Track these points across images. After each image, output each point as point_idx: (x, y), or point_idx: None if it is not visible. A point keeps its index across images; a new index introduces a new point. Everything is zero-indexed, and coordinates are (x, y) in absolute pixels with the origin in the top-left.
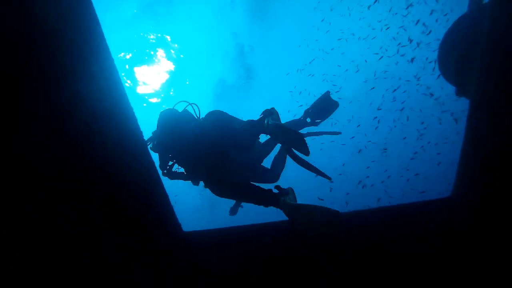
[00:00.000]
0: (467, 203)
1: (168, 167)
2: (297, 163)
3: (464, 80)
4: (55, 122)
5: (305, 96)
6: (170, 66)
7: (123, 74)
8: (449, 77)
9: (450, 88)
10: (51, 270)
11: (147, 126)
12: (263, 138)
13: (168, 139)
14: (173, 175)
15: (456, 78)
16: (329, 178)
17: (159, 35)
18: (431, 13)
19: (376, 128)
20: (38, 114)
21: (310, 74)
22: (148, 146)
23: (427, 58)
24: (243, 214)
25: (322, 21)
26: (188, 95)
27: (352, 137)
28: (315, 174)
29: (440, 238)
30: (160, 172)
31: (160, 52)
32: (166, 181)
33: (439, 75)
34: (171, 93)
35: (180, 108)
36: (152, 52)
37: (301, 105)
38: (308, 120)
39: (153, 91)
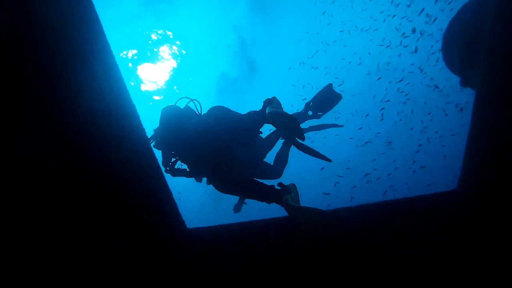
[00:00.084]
0: (473, 195)
1: (170, 164)
2: (299, 149)
3: (468, 70)
4: (55, 122)
5: (309, 90)
6: (174, 62)
7: (126, 73)
8: (453, 67)
9: (454, 79)
10: (51, 270)
11: (153, 124)
12: (265, 133)
13: (171, 136)
14: (175, 172)
15: (461, 68)
16: (329, 160)
17: (160, 31)
18: (435, 2)
19: (381, 120)
20: (38, 114)
21: (313, 67)
22: (151, 144)
23: (432, 46)
24: (247, 210)
25: (323, 14)
26: (192, 91)
27: (360, 128)
28: (320, 168)
29: (444, 235)
30: (163, 169)
31: (163, 49)
32: (169, 179)
33: (441, 68)
34: (176, 90)
35: (182, 105)
36: (155, 49)
37: (304, 99)
38: (310, 113)
39: (157, 89)
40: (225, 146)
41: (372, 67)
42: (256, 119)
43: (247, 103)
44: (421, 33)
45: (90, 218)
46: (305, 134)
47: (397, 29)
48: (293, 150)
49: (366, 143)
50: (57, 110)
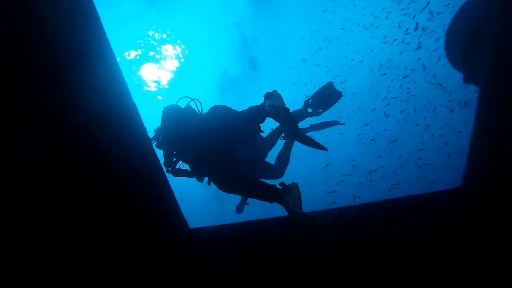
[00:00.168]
0: (477, 193)
1: (172, 164)
2: (297, 140)
3: (472, 67)
4: (55, 122)
5: (311, 88)
6: (176, 62)
7: (129, 73)
8: (456, 64)
9: (457, 76)
10: (51, 270)
11: (158, 124)
12: (265, 133)
13: (172, 136)
14: (177, 172)
15: (464, 65)
16: (325, 149)
17: (161, 29)
18: None
19: (387, 116)
20: (38, 114)
21: (316, 64)
22: (153, 144)
23: (437, 39)
24: (249, 210)
25: (324, 11)
26: (194, 89)
27: (366, 124)
28: (325, 165)
29: (448, 233)
30: (164, 169)
31: (165, 48)
32: (171, 179)
33: (444, 65)
34: (180, 88)
35: (182, 105)
36: (157, 49)
37: (306, 96)
38: (310, 110)
39: (161, 88)
40: (226, 145)
41: (374, 65)
42: (257, 113)
43: (249, 101)
44: (424, 29)
45: (90, 218)
46: (307, 134)
47: (399, 25)
48: (296, 149)
49: (372, 140)
50: (57, 109)
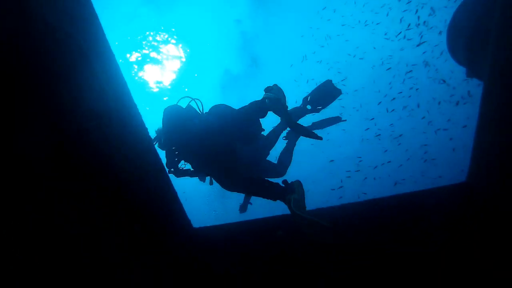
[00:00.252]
0: (482, 188)
1: (174, 164)
2: (295, 131)
3: (475, 60)
4: (55, 122)
5: (312, 85)
6: (178, 61)
7: (131, 74)
8: (458, 58)
9: (459, 71)
10: (51, 270)
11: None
12: (266, 131)
13: (174, 136)
14: (180, 173)
15: (466, 58)
16: (320, 138)
17: (161, 29)
18: None
19: (392, 111)
20: (38, 114)
21: (318, 61)
22: (155, 145)
23: (440, 32)
24: (253, 208)
25: (323, 9)
26: (197, 89)
27: (372, 119)
28: (329, 161)
29: (452, 229)
30: (167, 170)
31: (167, 49)
32: (175, 179)
33: (446, 60)
34: (182, 88)
35: (183, 105)
36: (159, 49)
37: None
38: (309, 107)
39: (163, 89)
40: (228, 144)
41: (375, 61)
42: (257, 106)
43: (251, 99)
44: (425, 24)
45: (90, 218)
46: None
47: (401, 21)
48: (300, 145)
49: (378, 135)
50: (57, 109)
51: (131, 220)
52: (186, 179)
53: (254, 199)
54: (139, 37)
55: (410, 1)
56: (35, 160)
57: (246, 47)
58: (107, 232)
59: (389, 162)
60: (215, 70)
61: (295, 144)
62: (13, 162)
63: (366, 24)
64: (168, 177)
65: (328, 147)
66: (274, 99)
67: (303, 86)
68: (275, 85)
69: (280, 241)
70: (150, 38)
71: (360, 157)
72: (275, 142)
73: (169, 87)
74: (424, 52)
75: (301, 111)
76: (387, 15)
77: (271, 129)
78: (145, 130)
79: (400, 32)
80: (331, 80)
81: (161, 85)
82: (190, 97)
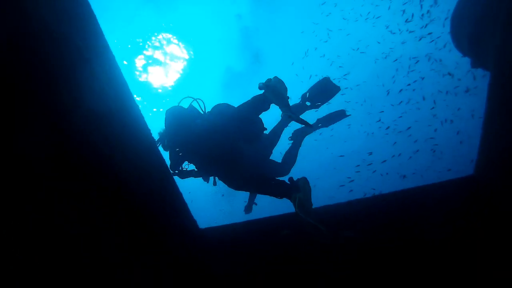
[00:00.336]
0: (489, 180)
1: (178, 165)
2: (296, 121)
3: (480, 50)
4: (55, 122)
5: (315, 81)
6: (180, 61)
7: (134, 75)
8: (463, 48)
9: (463, 62)
10: (51, 270)
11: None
12: (268, 130)
13: (177, 137)
14: (184, 174)
15: (471, 48)
16: (310, 126)
17: (162, 28)
18: None
19: (399, 103)
20: (38, 114)
21: (321, 56)
22: (159, 147)
23: (444, 25)
24: (258, 207)
25: (323, 4)
26: (200, 88)
27: (381, 111)
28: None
29: (460, 221)
30: (171, 172)
31: (168, 48)
32: (180, 180)
33: (450, 50)
34: (185, 88)
35: (185, 105)
36: (161, 49)
37: None
38: (308, 103)
39: (166, 89)
40: (231, 143)
41: (378, 55)
42: (259, 99)
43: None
44: (428, 14)
45: (90, 218)
46: (318, 131)
47: (404, 12)
48: (305, 143)
49: (387, 128)
50: (57, 109)
51: (132, 220)
52: (193, 181)
53: (259, 199)
54: (139, 39)
55: None
56: (35, 160)
57: (248, 43)
58: (107, 232)
59: (400, 155)
60: (217, 68)
61: (300, 145)
62: (13, 162)
63: (367, 18)
64: (172, 178)
65: (333, 143)
66: (272, 86)
67: (306, 82)
68: (275, 77)
69: (286, 240)
70: (153, 38)
71: (370, 152)
72: (277, 141)
73: (171, 88)
74: (431, 41)
75: (300, 108)
76: (389, 8)
77: (272, 127)
78: (147, 130)
79: (409, 20)
80: (329, 77)
81: (163, 85)
82: (192, 97)
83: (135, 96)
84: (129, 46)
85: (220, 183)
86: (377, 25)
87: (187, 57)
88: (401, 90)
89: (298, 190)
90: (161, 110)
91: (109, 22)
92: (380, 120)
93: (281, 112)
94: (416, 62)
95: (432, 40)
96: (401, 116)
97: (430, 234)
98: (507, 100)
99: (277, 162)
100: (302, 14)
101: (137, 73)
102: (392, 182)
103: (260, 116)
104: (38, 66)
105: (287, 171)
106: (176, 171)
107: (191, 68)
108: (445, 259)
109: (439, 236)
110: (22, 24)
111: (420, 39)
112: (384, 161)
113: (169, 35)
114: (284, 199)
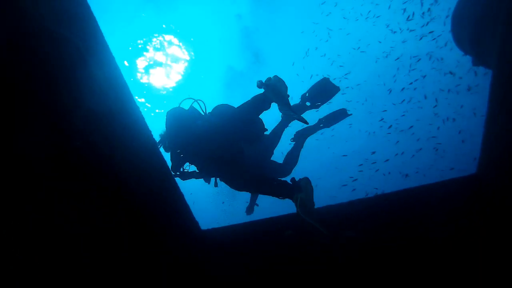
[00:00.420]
0: (492, 179)
1: (179, 167)
2: (298, 119)
3: (482, 48)
4: (55, 122)
5: (316, 80)
6: (182, 61)
7: (136, 76)
8: (464, 46)
9: (464, 60)
10: (51, 270)
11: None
12: (269, 130)
13: (178, 139)
14: (185, 176)
15: (472, 46)
16: (306, 123)
17: (162, 29)
18: None
19: (402, 101)
20: (38, 114)
21: (322, 55)
22: (160, 148)
23: (445, 23)
24: (259, 208)
25: (323, 3)
26: (201, 89)
27: (384, 111)
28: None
29: (463, 220)
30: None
31: (170, 50)
32: (181, 181)
33: (451, 48)
34: (186, 89)
35: (186, 106)
36: (162, 50)
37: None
38: (308, 104)
39: (168, 90)
40: (232, 144)
41: (379, 54)
42: (259, 98)
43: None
44: (429, 12)
45: (90, 218)
46: (319, 131)
47: (404, 10)
48: (306, 143)
49: (390, 127)
50: (57, 110)
51: (132, 220)
52: (194, 182)
53: (261, 200)
54: (141, 41)
55: None
56: (35, 160)
57: (248, 42)
58: (107, 232)
59: (403, 153)
60: (218, 68)
61: (302, 146)
62: (13, 162)
63: (367, 17)
64: (173, 179)
65: (335, 143)
66: (272, 85)
67: (307, 82)
68: (275, 76)
69: (289, 240)
70: (154, 40)
71: (374, 151)
72: (278, 141)
73: (173, 89)
74: (433, 39)
75: (300, 108)
76: (389, 7)
77: (273, 128)
78: (147, 130)
79: (410, 17)
80: (328, 78)
81: (165, 86)
82: (193, 98)
83: (136, 97)
84: (130, 48)
85: (221, 184)
86: (378, 24)
87: (188, 58)
88: (403, 89)
89: (300, 190)
90: (162, 111)
91: (110, 23)
92: (383, 119)
93: (281, 113)
94: (418, 61)
95: (434, 39)
96: (403, 115)
97: (433, 233)
98: (509, 99)
99: (278, 162)
100: (302, 13)
101: (139, 74)
102: (394, 181)
103: (260, 116)
104: (38, 66)
105: (288, 172)
106: (177, 173)
107: (192, 69)
108: (448, 258)
109: (442, 235)
110: (22, 25)
111: (421, 38)
112: (387, 160)
113: (170, 36)
114: (287, 199)
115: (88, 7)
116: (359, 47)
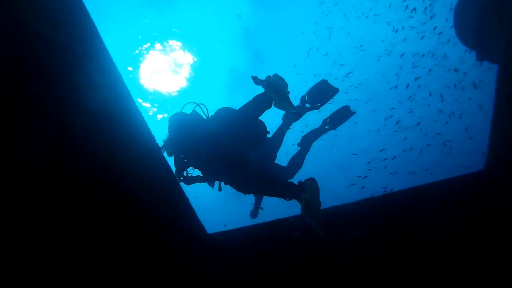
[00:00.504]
0: (501, 175)
1: (183, 172)
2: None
3: (486, 42)
4: (55, 122)
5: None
6: (185, 65)
7: (142, 81)
8: (468, 41)
9: (468, 56)
10: (51, 270)
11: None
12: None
13: (182, 144)
14: (189, 180)
15: (477, 40)
16: (298, 115)
17: (163, 32)
18: None
19: (409, 97)
20: (38, 115)
21: (325, 54)
22: (163, 153)
23: (447, 19)
24: (264, 211)
25: (321, 3)
26: (206, 91)
27: (392, 108)
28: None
29: (472, 216)
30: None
31: (173, 55)
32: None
33: (455, 44)
34: (190, 93)
35: (188, 110)
36: (164, 55)
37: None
38: (308, 105)
39: (172, 95)
40: (237, 147)
41: (381, 53)
42: (260, 98)
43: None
44: (431, 5)
45: (90, 218)
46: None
47: (407, 7)
48: (313, 146)
49: (398, 122)
50: (56, 111)
51: (131, 221)
52: (200, 186)
53: (265, 204)
54: (146, 44)
55: None
56: (35, 160)
57: (249, 42)
58: (107, 232)
59: (411, 149)
60: (221, 69)
61: (308, 150)
62: (13, 162)
63: (367, 16)
64: (177, 181)
65: (339, 142)
66: (271, 83)
67: (310, 81)
68: (275, 74)
69: (296, 243)
70: (157, 44)
71: (383, 148)
72: (280, 144)
73: (177, 93)
74: (439, 32)
75: (300, 110)
76: (390, 6)
77: (275, 131)
78: (148, 131)
79: (412, 10)
80: (326, 80)
81: (169, 91)
82: (195, 103)
83: (140, 100)
84: (135, 52)
85: (226, 188)
86: (379, 22)
87: (191, 61)
88: (408, 85)
89: (304, 190)
90: (166, 115)
91: (113, 30)
92: (392, 116)
93: (283, 115)
94: (423, 56)
95: (440, 32)
96: (411, 111)
97: (441, 230)
98: None
99: (282, 166)
100: (301, 12)
101: (143, 79)
102: (402, 180)
103: (261, 118)
104: (38, 70)
105: (291, 176)
106: (181, 178)
107: (195, 72)
108: (456, 255)
109: (450, 232)
110: (18, 31)
111: (423, 38)
112: (394, 157)
113: (173, 39)
114: (293, 200)
115: (86, 12)
116: (361, 45)
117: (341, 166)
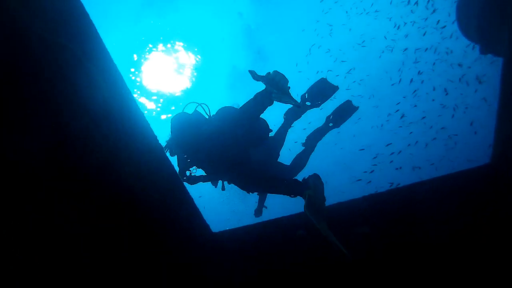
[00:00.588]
0: (506, 168)
1: (186, 171)
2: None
3: (489, 36)
4: (55, 122)
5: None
6: (187, 64)
7: (146, 81)
8: (471, 34)
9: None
10: (51, 270)
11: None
12: (273, 131)
13: (184, 144)
14: (193, 180)
15: (480, 33)
16: (299, 106)
17: (164, 32)
18: None
19: (414, 92)
20: (38, 115)
21: (326, 51)
22: (166, 153)
23: (449, 14)
24: (268, 210)
25: (321, 1)
26: (208, 90)
27: (398, 103)
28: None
29: (479, 210)
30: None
31: (177, 55)
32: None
33: (457, 38)
34: (192, 92)
35: (190, 110)
36: (167, 55)
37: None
38: (308, 103)
39: (174, 95)
40: (240, 147)
41: (383, 49)
42: (261, 95)
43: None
44: (432, 0)
45: (90, 218)
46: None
47: (409, 1)
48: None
49: (402, 117)
50: (56, 111)
51: (131, 221)
52: (204, 185)
53: (269, 202)
54: (149, 46)
55: None
56: (35, 160)
57: (251, 41)
58: (107, 232)
59: (416, 142)
60: (223, 68)
61: (313, 150)
62: (13, 162)
63: (368, 12)
64: (180, 181)
65: (341, 138)
66: (271, 79)
67: (312, 78)
68: (275, 70)
69: (301, 241)
70: (159, 45)
71: (388, 144)
72: (283, 142)
73: (181, 92)
74: (443, 26)
75: (301, 108)
76: (391, 3)
77: (277, 129)
78: (150, 131)
79: (415, 3)
80: (325, 78)
81: (172, 91)
82: (196, 102)
83: (142, 99)
84: (136, 55)
85: (230, 187)
86: (380, 18)
87: (193, 60)
88: (411, 80)
89: (308, 187)
90: (169, 115)
91: (115, 32)
92: (398, 110)
93: (284, 113)
94: (426, 50)
95: (443, 26)
96: (416, 105)
97: (447, 225)
98: None
99: (285, 164)
100: (303, 10)
101: (146, 80)
102: (407, 175)
103: (263, 117)
104: (37, 71)
105: (295, 174)
106: (185, 177)
107: (198, 71)
108: (461, 250)
109: (456, 227)
110: (19, 29)
111: (425, 34)
112: (400, 152)
113: (175, 40)
114: (298, 198)
115: (84, 13)
116: (363, 41)
117: (344, 163)
